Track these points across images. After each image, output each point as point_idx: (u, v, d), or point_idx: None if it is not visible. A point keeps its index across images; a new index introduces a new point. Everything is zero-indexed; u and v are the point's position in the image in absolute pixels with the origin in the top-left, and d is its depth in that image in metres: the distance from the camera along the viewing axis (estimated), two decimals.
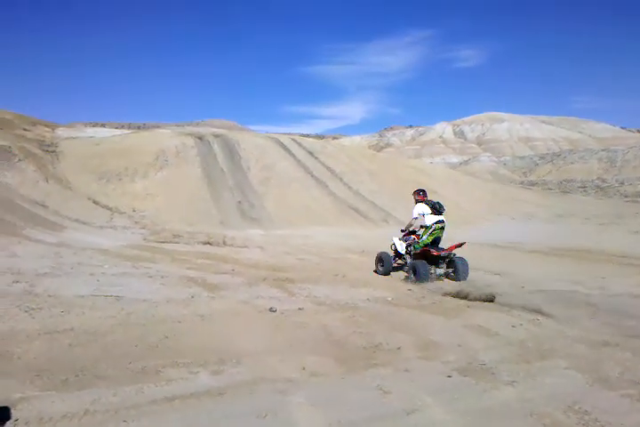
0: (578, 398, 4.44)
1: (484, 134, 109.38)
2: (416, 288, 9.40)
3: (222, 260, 11.80)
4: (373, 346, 5.83)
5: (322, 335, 6.18)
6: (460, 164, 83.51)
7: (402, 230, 11.65)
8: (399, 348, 5.80)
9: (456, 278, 10.27)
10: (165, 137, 25.24)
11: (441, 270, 10.61)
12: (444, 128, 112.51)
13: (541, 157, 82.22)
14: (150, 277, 9.06)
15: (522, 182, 60.11)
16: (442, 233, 10.93)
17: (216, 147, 25.37)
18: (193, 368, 4.87)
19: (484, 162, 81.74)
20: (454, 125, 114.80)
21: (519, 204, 32.45)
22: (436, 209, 10.92)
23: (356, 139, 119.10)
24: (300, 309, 7.34)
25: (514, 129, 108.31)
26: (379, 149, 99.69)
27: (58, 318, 6.09)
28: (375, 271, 11.23)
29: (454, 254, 10.67)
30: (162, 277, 9.09)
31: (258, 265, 11.32)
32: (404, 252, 11.24)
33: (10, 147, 18.30)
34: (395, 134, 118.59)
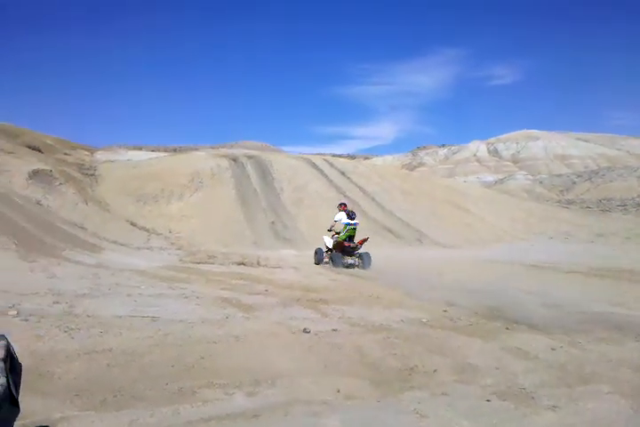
0: (621, 425, 4.28)
1: (519, 152, 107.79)
2: (452, 309, 9.25)
3: (256, 280, 11.86)
4: (409, 368, 5.75)
5: (356, 357, 6.13)
6: (495, 182, 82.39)
7: (328, 230, 15.90)
8: (435, 370, 5.70)
9: (363, 267, 14.62)
10: (200, 159, 25.73)
11: (352, 260, 15.02)
12: (477, 147, 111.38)
13: (579, 175, 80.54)
14: (186, 297, 9.17)
15: (559, 201, 58.90)
16: (354, 232, 15.47)
17: (249, 168, 25.71)
18: (228, 389, 4.88)
19: (519, 180, 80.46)
20: (488, 144, 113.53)
21: (557, 223, 31.78)
22: (349, 216, 15.51)
23: (388, 158, 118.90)
24: (334, 330, 7.30)
25: (549, 147, 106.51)
26: (411, 168, 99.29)
27: (96, 338, 6.19)
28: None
29: (359, 249, 15.29)
30: (197, 297, 9.18)
31: (291, 285, 11.33)
32: (331, 246, 15.47)
33: (51, 171, 18.91)
34: (427, 153, 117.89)
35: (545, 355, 6.36)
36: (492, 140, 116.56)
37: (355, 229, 15.42)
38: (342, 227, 15.46)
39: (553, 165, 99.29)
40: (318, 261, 15.59)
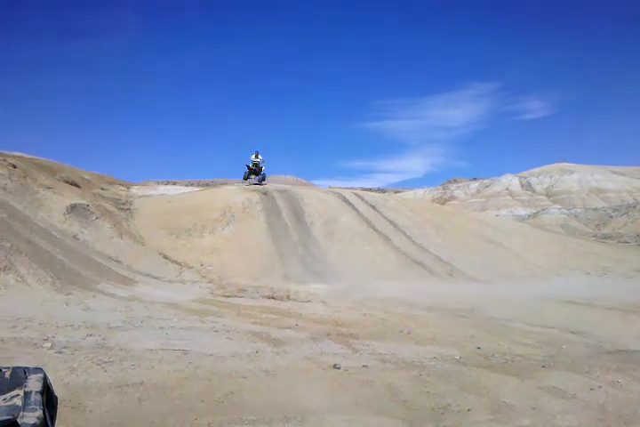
0: None
1: (552, 186, 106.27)
2: (485, 346, 9.04)
3: (286, 314, 11.82)
4: (442, 407, 5.62)
5: (387, 395, 6.02)
6: (529, 216, 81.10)
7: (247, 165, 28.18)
8: (469, 410, 5.55)
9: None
10: (232, 193, 26.10)
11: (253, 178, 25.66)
12: (510, 180, 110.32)
13: (615, 209, 78.67)
14: (216, 331, 9.19)
15: (595, 235, 57.51)
16: (257, 165, 27.60)
17: (280, 202, 25.94)
18: (258, 426, 4.83)
19: (553, 214, 79.03)
20: (521, 177, 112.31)
21: (593, 258, 30.95)
22: (256, 157, 27.45)
23: (419, 192, 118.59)
24: (364, 366, 7.21)
25: (584, 180, 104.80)
26: (442, 202, 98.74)
27: (128, 371, 6.24)
28: None
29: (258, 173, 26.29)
30: (227, 331, 9.20)
31: (321, 320, 11.25)
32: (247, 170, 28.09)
33: (88, 205, 19.41)
34: (459, 187, 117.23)
35: (583, 394, 6.14)
36: (524, 173, 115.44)
37: (255, 163, 28.21)
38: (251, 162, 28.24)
39: (588, 198, 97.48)
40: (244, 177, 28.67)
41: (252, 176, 28.28)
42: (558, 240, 35.19)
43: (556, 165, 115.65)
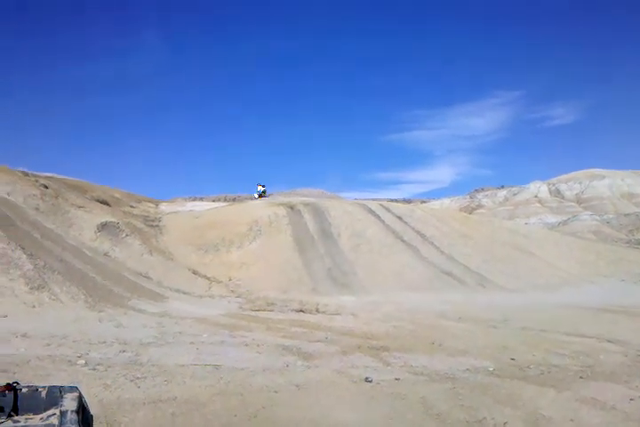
0: None
1: (582, 192, 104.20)
2: (520, 357, 8.86)
3: (316, 327, 11.78)
4: (477, 421, 5.51)
5: (421, 408, 5.93)
6: (559, 224, 79.57)
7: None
8: (506, 423, 5.44)
9: None
10: (258, 208, 26.27)
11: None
12: (538, 187, 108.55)
13: None
14: (246, 345, 9.20)
15: (629, 241, 56.16)
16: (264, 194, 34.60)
17: (306, 215, 26.00)
18: None
19: (584, 221, 77.39)
20: (550, 184, 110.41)
21: (627, 264, 30.19)
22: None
23: (446, 202, 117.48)
24: (396, 379, 7.12)
25: (615, 185, 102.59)
26: (470, 211, 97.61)
27: (161, 387, 6.28)
28: None
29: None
30: (257, 345, 9.21)
31: (351, 333, 11.18)
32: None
33: (118, 223, 19.75)
34: (486, 195, 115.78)
35: (623, 405, 5.96)
36: (553, 180, 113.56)
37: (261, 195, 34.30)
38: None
39: (620, 204, 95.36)
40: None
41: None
42: (591, 247, 34.46)
43: (586, 170, 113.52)
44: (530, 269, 25.34)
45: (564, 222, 79.07)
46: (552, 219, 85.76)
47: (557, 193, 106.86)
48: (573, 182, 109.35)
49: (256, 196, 36.39)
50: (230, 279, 18.79)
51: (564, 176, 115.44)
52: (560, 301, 17.97)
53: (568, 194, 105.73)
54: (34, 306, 10.59)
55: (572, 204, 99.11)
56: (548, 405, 6.04)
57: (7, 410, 3.08)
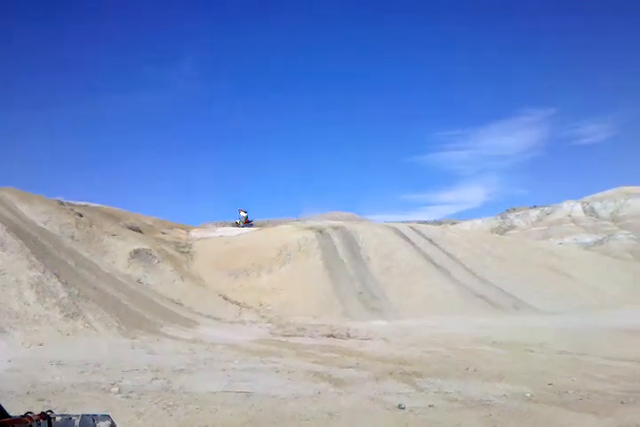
0: None
1: (617, 210, 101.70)
2: (558, 383, 8.60)
3: (347, 353, 11.67)
4: None
5: None
6: (594, 243, 77.73)
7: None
8: None
9: None
10: (287, 232, 26.38)
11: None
12: (571, 206, 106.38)
13: None
14: (277, 371, 9.16)
15: None
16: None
17: (336, 239, 25.99)
18: None
19: (621, 240, 75.47)
20: (583, 203, 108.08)
21: None
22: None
23: (477, 222, 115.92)
24: (430, 406, 6.98)
25: None
26: (501, 231, 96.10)
27: (193, 415, 6.28)
28: None
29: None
30: (288, 371, 9.15)
31: (383, 358, 11.03)
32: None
33: (150, 250, 20.07)
34: (518, 215, 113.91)
35: None
36: (587, 198, 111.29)
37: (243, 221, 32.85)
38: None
39: None
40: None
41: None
42: (629, 267, 33.56)
43: (620, 188, 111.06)
44: (566, 291, 24.76)
45: (600, 242, 77.22)
46: (587, 238, 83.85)
47: (592, 212, 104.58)
48: (608, 201, 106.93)
49: (238, 222, 34.11)
50: (261, 304, 18.82)
51: (598, 194, 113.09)
52: (598, 323, 17.46)
53: (603, 212, 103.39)
54: (68, 334, 10.75)
55: (607, 222, 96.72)
56: None
57: None
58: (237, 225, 32.84)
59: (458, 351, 12.35)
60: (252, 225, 33.02)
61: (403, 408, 6.80)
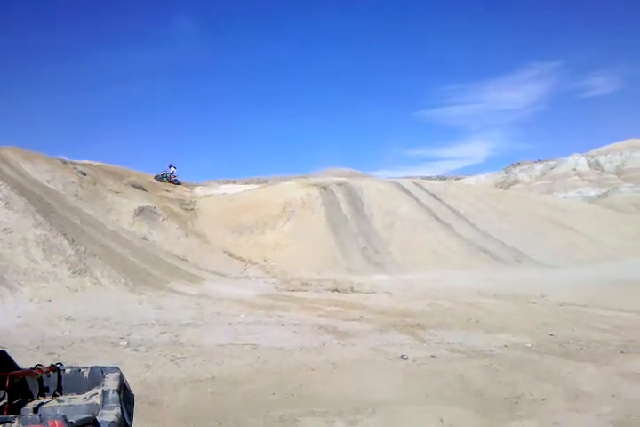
0: None
1: (623, 164, 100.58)
2: (558, 333, 8.73)
3: (351, 306, 11.83)
4: (515, 397, 5.47)
5: (459, 385, 5.92)
6: (598, 197, 77.48)
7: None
8: (544, 399, 5.38)
9: None
10: (291, 189, 26.32)
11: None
12: (576, 160, 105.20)
13: None
14: (283, 325, 9.32)
15: None
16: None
17: (339, 195, 25.94)
18: (329, 418, 4.87)
19: (625, 193, 75.11)
20: (588, 156, 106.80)
21: None
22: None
23: (481, 178, 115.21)
24: (432, 356, 7.11)
25: None
26: (506, 186, 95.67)
27: (200, 366, 6.43)
28: None
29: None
30: (294, 324, 9.31)
31: (386, 311, 11.19)
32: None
33: (155, 207, 20.10)
34: (522, 170, 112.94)
35: None
36: (592, 152, 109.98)
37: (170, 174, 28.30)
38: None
39: None
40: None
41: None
42: (632, 220, 33.54)
43: (627, 141, 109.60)
44: (569, 244, 24.85)
45: (604, 195, 76.96)
46: (591, 192, 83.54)
47: (597, 165, 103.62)
48: (613, 154, 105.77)
49: (163, 174, 28.20)
50: (265, 260, 18.96)
51: (603, 148, 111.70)
52: (600, 276, 17.59)
53: (608, 166, 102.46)
54: (76, 290, 10.91)
55: (612, 176, 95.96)
56: (588, 380, 5.95)
57: (52, 390, 3.20)
58: (161, 180, 27.71)
59: (460, 304, 12.51)
60: (178, 183, 28.80)
61: (405, 359, 6.94)
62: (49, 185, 17.80)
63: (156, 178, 27.61)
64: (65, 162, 21.53)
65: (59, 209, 15.56)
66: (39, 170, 18.66)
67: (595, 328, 9.06)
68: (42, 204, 15.00)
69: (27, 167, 18.42)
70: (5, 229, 12.49)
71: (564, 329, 9.03)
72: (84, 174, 20.49)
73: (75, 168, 20.90)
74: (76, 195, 18.22)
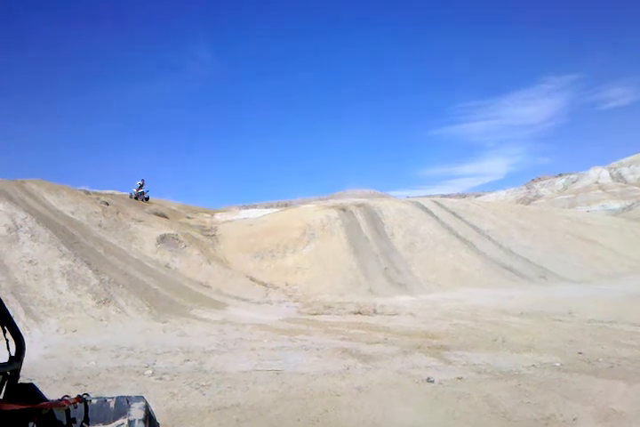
0: None
1: None
2: (588, 351, 8.56)
3: (374, 329, 11.75)
4: (545, 418, 5.37)
5: (486, 407, 5.83)
6: (623, 209, 76.36)
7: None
8: (575, 419, 5.27)
9: None
10: (310, 212, 26.44)
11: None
12: (598, 173, 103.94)
13: None
14: (306, 349, 9.28)
15: None
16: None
17: (359, 216, 25.98)
18: None
19: None
20: (611, 169, 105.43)
21: None
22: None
23: (502, 194, 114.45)
24: (459, 378, 7.02)
25: None
26: (527, 202, 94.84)
27: (225, 393, 6.43)
28: None
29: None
30: (317, 349, 9.27)
31: (410, 333, 11.09)
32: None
33: (176, 234, 20.34)
34: (543, 185, 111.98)
35: None
36: (614, 164, 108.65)
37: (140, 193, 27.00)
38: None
39: None
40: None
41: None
42: None
43: None
44: (594, 259, 24.44)
45: (629, 208, 75.72)
46: (615, 205, 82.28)
47: (620, 177, 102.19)
48: (636, 165, 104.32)
49: (133, 193, 26.75)
50: (287, 284, 18.98)
51: (625, 159, 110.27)
52: (627, 290, 17.24)
53: (631, 178, 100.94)
54: (101, 319, 11.03)
55: (636, 188, 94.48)
56: (620, 399, 5.82)
57: (79, 421, 3.25)
58: (134, 197, 26.71)
59: (485, 323, 12.34)
60: (147, 199, 27.30)
61: (432, 382, 6.86)
62: (73, 216, 18.16)
63: (130, 197, 26.27)
64: (88, 192, 21.98)
65: (83, 239, 15.83)
66: (63, 201, 19.08)
67: (624, 345, 8.86)
68: (66, 235, 15.29)
69: (51, 199, 18.85)
70: (31, 261, 12.75)
71: (593, 346, 8.85)
72: (107, 204, 20.89)
73: (97, 198, 21.33)
74: (100, 225, 18.55)
